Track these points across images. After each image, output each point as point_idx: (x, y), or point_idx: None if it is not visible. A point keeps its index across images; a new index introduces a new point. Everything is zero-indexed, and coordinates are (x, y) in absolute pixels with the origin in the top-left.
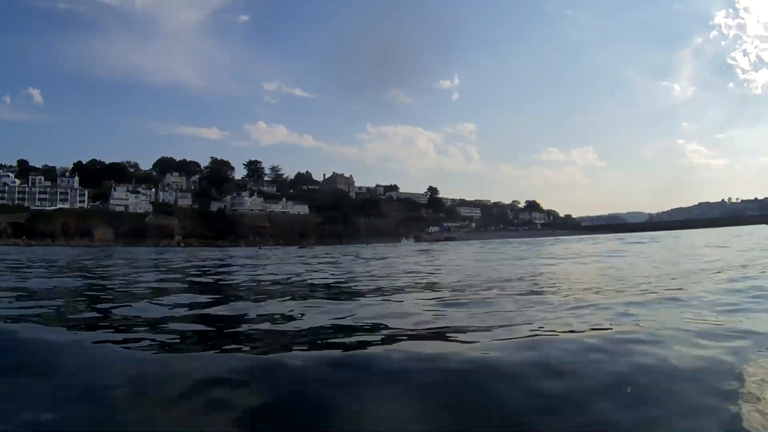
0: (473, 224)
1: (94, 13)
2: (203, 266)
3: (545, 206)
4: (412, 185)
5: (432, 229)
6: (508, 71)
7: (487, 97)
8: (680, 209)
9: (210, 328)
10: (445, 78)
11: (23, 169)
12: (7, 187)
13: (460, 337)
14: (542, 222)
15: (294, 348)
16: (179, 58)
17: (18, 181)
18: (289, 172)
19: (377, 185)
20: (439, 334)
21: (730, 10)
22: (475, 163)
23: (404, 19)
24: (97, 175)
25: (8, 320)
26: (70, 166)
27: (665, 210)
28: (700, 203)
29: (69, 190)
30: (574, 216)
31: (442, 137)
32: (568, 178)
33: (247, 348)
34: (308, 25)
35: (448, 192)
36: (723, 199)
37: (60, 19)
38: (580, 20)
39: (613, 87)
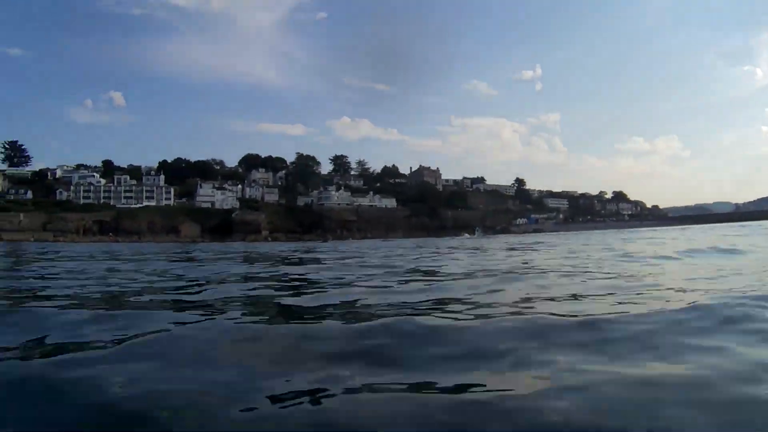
0: (561, 216)
1: (170, 17)
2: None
3: (631, 197)
4: (499, 177)
5: (520, 221)
6: (588, 59)
7: (570, 86)
8: (766, 199)
9: None
10: (527, 68)
11: (108, 169)
12: (92, 187)
13: None
14: (629, 213)
15: None
16: (259, 58)
17: (103, 181)
18: (376, 166)
19: (464, 177)
20: None
21: None
22: (560, 153)
23: (482, 10)
24: (183, 173)
25: None
26: (155, 166)
27: (751, 200)
28: None
29: (155, 188)
30: (660, 207)
31: (527, 128)
32: (651, 168)
33: None
34: (384, 20)
35: (534, 183)
36: None
37: (136, 24)
38: (657, 4)
39: (692, 72)
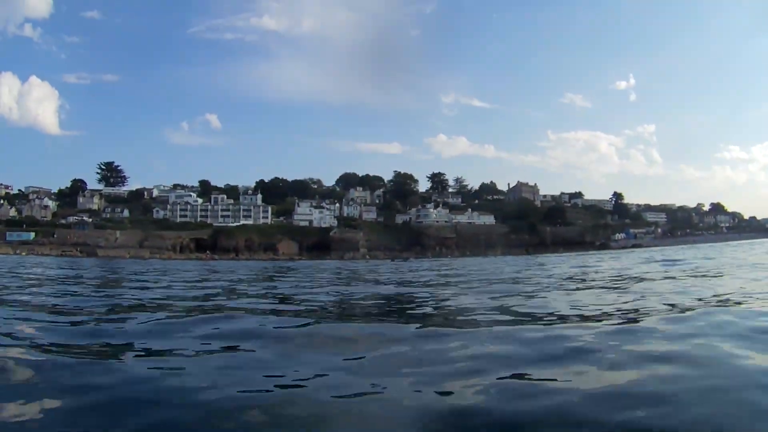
0: (659, 230)
1: (261, 40)
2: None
3: (729, 208)
4: (596, 191)
5: (618, 236)
6: (682, 67)
7: (664, 95)
8: None
9: None
10: (621, 79)
11: (205, 188)
12: (189, 206)
13: None
14: (727, 225)
15: None
16: (353, 77)
17: (200, 200)
18: (473, 183)
19: (561, 193)
20: None
21: None
22: (657, 165)
23: (572, 21)
24: (280, 193)
25: None
26: (252, 185)
27: None
28: None
29: (252, 207)
30: (758, 218)
31: (623, 140)
32: (749, 177)
33: None
34: (477, 35)
35: (631, 197)
36: None
37: (229, 48)
38: (751, 7)
39: None
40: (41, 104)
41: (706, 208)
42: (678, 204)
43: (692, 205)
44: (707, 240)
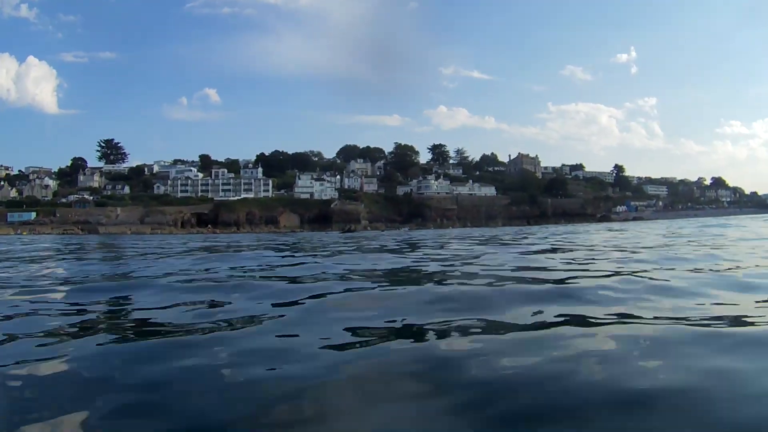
0: (660, 203)
1: (259, 14)
2: None
3: (730, 183)
4: (597, 163)
5: (619, 208)
6: (684, 40)
7: (666, 69)
8: None
9: None
10: (621, 51)
11: (205, 163)
12: (190, 181)
13: None
14: (728, 200)
15: None
16: (352, 50)
17: (201, 175)
18: (474, 154)
19: (562, 164)
20: None
21: None
22: (658, 139)
23: None
24: (281, 166)
25: None
26: (253, 159)
27: None
28: None
29: (253, 181)
30: (759, 193)
31: (624, 113)
32: (750, 152)
33: None
34: (477, 7)
35: (632, 170)
36: None
37: (226, 23)
38: None
39: None
40: (39, 84)
41: (708, 182)
42: (679, 177)
43: (693, 179)
44: (708, 214)
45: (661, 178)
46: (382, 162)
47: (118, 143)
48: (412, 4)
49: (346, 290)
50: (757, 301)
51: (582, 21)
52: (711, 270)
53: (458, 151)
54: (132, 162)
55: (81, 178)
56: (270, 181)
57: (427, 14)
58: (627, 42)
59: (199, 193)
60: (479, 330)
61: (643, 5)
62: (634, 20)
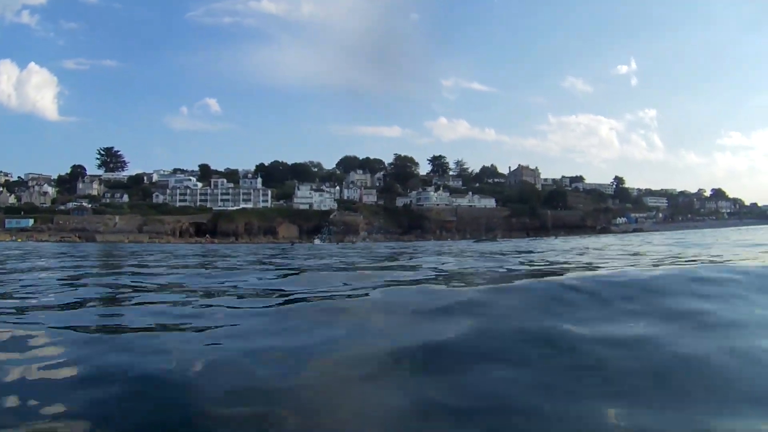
0: (660, 215)
1: (260, 24)
2: None
3: (730, 194)
4: (597, 175)
5: (620, 220)
6: (683, 52)
7: (666, 80)
8: None
9: None
10: (622, 63)
11: (205, 173)
12: (189, 190)
13: None
14: (728, 211)
15: None
16: (353, 61)
17: (200, 184)
18: (474, 166)
19: (562, 176)
20: None
21: None
22: (658, 150)
23: (575, 5)
24: (280, 176)
25: None
26: (252, 169)
27: None
28: None
29: (252, 191)
30: (759, 204)
31: (624, 125)
32: (750, 163)
33: None
34: (478, 19)
35: (633, 181)
36: None
37: (227, 33)
38: None
39: None
40: (40, 91)
41: (707, 193)
42: (679, 189)
43: (693, 190)
44: (708, 225)
45: (661, 189)
46: (381, 173)
47: (118, 151)
48: (413, 15)
49: None
50: None
51: (582, 32)
52: None
53: (458, 163)
54: (131, 170)
55: (80, 185)
56: (269, 192)
57: (428, 26)
58: (627, 53)
59: (198, 203)
60: None
61: (643, 16)
62: (635, 31)
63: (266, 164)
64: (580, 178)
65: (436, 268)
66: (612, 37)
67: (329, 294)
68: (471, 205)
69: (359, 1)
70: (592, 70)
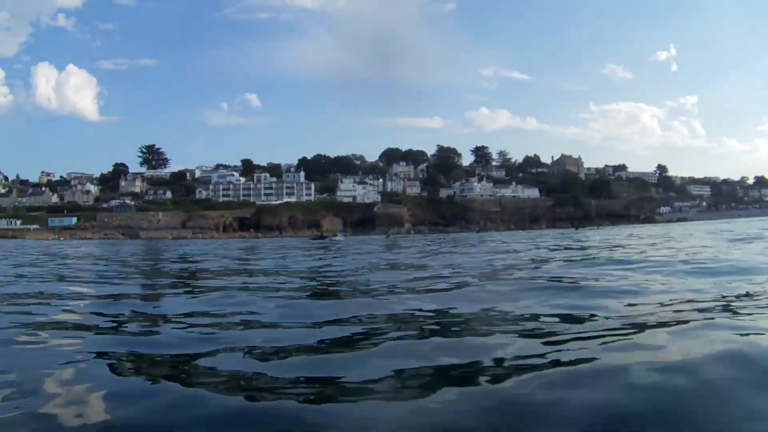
0: (704, 203)
1: (296, 19)
2: None
3: None
4: (640, 164)
5: (663, 209)
6: (722, 36)
7: (706, 65)
8: None
9: None
10: (661, 48)
11: (247, 167)
12: (232, 185)
13: None
14: None
15: None
16: (393, 53)
17: (243, 179)
18: (517, 156)
19: (605, 165)
20: None
21: None
22: (700, 137)
23: None
24: (323, 170)
25: None
26: (295, 163)
27: None
28: None
29: (295, 185)
30: None
31: (665, 112)
32: None
33: None
34: (514, 7)
35: (675, 169)
36: None
37: (264, 28)
38: None
39: None
40: (79, 92)
41: (751, 181)
42: (722, 177)
43: (736, 178)
44: (752, 214)
45: (704, 177)
46: (424, 165)
47: (160, 149)
48: (449, 5)
49: None
50: None
51: (621, 18)
52: None
53: (501, 153)
54: (174, 167)
55: (122, 183)
56: (312, 185)
57: (465, 15)
58: (666, 38)
59: (241, 198)
60: None
61: (680, 1)
62: (673, 15)
63: (309, 158)
64: (623, 167)
65: None
66: (651, 23)
67: None
68: (515, 196)
69: None
70: (631, 56)
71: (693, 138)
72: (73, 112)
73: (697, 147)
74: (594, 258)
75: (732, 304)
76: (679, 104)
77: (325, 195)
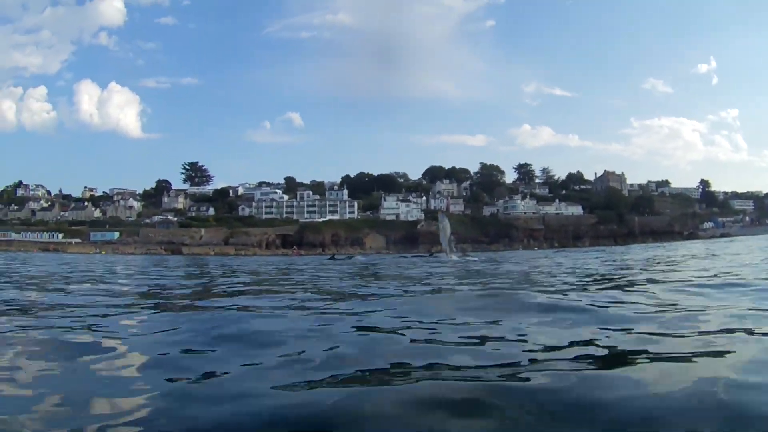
0: (747, 218)
1: (337, 37)
2: None
3: None
4: (683, 179)
5: (707, 224)
6: (762, 46)
7: (746, 78)
8: None
9: None
10: (701, 62)
11: (290, 185)
12: (274, 203)
13: None
14: None
15: None
16: (433, 71)
17: (286, 197)
18: (560, 173)
19: (648, 181)
20: None
21: None
22: (742, 151)
23: (651, 5)
24: (366, 187)
25: None
26: (338, 181)
27: None
28: None
29: (338, 202)
30: None
31: (707, 126)
32: None
33: None
34: (555, 23)
35: (718, 184)
36: None
37: (305, 47)
38: None
39: None
40: (122, 109)
41: None
42: (765, 191)
43: None
44: None
45: (747, 192)
46: (467, 182)
47: (203, 166)
48: (489, 22)
49: None
50: None
51: (660, 31)
52: None
53: (544, 170)
54: (216, 184)
55: (165, 199)
56: (355, 203)
57: (504, 31)
58: (706, 51)
59: (284, 215)
60: None
61: (719, 12)
62: (712, 28)
63: (351, 176)
64: (665, 183)
65: None
66: (690, 35)
67: None
68: (558, 213)
69: (434, 10)
70: (671, 70)
71: (735, 152)
72: (116, 129)
73: (739, 161)
74: None
75: None
76: (720, 118)
77: (368, 213)
